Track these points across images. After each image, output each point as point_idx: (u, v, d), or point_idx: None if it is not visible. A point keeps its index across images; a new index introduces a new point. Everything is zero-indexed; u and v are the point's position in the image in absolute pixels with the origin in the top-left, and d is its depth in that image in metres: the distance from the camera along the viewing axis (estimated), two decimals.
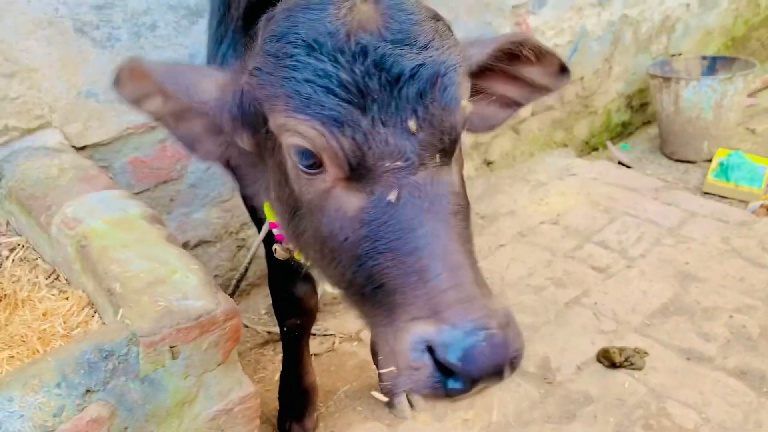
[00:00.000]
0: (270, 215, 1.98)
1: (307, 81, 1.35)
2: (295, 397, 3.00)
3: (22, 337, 2.19)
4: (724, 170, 5.09)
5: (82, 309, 2.31)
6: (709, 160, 5.44)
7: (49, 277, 2.55)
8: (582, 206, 4.82)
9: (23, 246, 2.78)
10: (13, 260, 2.72)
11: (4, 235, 2.88)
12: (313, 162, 1.42)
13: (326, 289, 3.49)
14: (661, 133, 5.90)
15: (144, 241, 2.24)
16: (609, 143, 6.09)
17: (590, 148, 6.12)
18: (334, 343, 3.71)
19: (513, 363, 1.28)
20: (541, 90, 1.86)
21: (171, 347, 1.92)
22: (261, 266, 4.10)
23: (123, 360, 1.86)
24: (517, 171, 5.38)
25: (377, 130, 1.33)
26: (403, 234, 1.34)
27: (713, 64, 6.01)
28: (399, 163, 1.35)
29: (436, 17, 1.50)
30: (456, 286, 1.27)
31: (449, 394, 1.27)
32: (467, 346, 1.21)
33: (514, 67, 1.78)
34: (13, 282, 2.54)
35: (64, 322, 2.24)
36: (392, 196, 1.35)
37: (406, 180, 1.35)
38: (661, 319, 3.65)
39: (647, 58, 6.25)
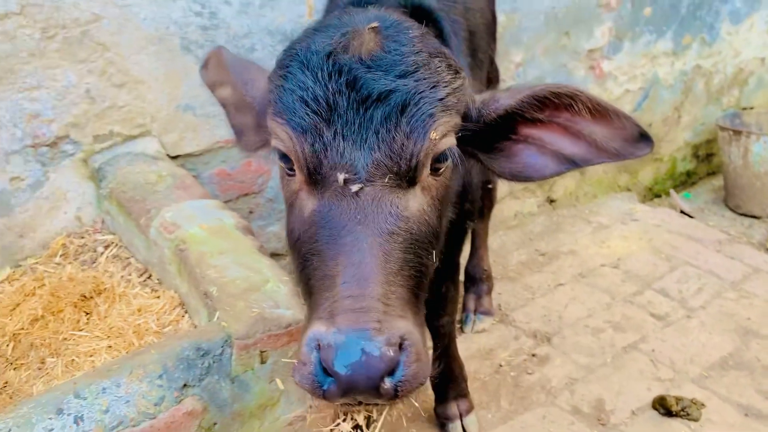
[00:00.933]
0: None
1: (290, 90, 1.52)
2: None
3: (119, 329, 2.35)
4: None
5: (174, 308, 2.47)
6: None
7: (141, 275, 2.73)
8: (643, 252, 4.82)
9: (116, 244, 2.97)
10: (107, 257, 2.91)
11: (99, 232, 3.09)
12: (290, 165, 1.58)
13: None
14: (726, 186, 5.86)
15: (239, 250, 2.39)
16: (672, 191, 6.07)
17: (653, 194, 6.11)
18: None
19: (399, 387, 1.29)
20: (609, 154, 1.73)
21: (261, 352, 2.05)
22: None
23: (217, 359, 1.99)
24: (579, 211, 5.41)
25: (336, 142, 1.44)
26: (332, 239, 1.43)
27: None
28: (348, 176, 1.44)
29: (437, 55, 1.60)
30: (356, 296, 1.33)
31: (326, 396, 1.31)
32: (343, 352, 1.25)
33: (573, 120, 1.71)
34: (107, 277, 2.72)
35: (157, 319, 2.40)
36: (334, 204, 1.45)
37: (350, 192, 1.44)
38: (719, 372, 3.63)
39: (717, 110, 6.23)
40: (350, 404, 1.36)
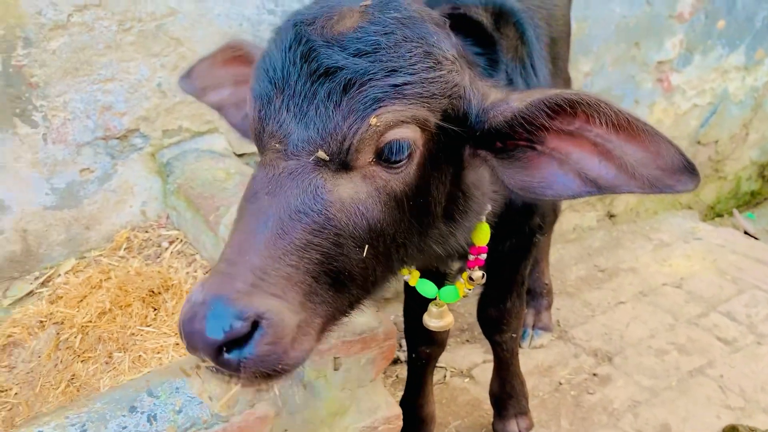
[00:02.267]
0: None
1: (263, 56, 1.48)
2: (413, 424, 3.00)
3: None
4: None
5: None
6: None
7: (207, 272, 2.69)
8: (707, 273, 4.64)
9: (181, 240, 2.95)
10: (172, 252, 2.89)
11: (163, 227, 3.08)
12: None
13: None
14: None
15: None
16: (735, 211, 5.86)
17: (715, 213, 5.91)
18: (445, 376, 3.70)
19: (242, 363, 1.23)
20: (641, 183, 1.46)
21: (334, 358, 1.99)
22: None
23: None
24: (639, 227, 5.25)
25: (280, 113, 1.40)
26: (242, 206, 1.40)
27: None
28: (278, 146, 1.39)
29: (415, 40, 1.45)
30: (230, 262, 1.29)
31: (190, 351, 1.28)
32: (188, 312, 1.24)
33: (605, 139, 1.48)
34: (173, 273, 2.70)
35: None
36: (260, 173, 1.40)
37: (276, 162, 1.38)
38: None
39: None
40: (212, 369, 1.32)
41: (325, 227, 1.37)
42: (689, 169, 1.43)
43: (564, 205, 4.76)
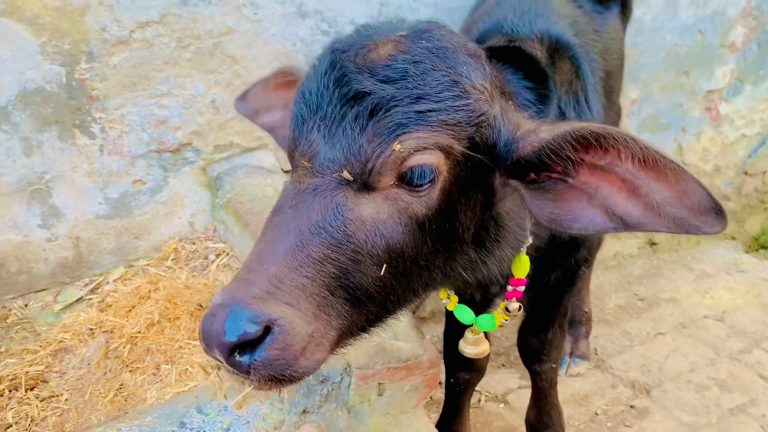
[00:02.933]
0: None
1: (301, 84, 1.56)
2: None
3: None
4: None
5: None
6: None
7: None
8: (751, 307, 4.54)
9: (227, 253, 3.00)
10: (218, 265, 2.94)
11: (210, 239, 3.13)
12: None
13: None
14: None
15: None
16: None
17: (759, 245, 5.78)
18: (480, 399, 3.69)
19: (252, 366, 1.28)
20: (668, 222, 1.44)
21: (379, 384, 2.00)
22: (433, 300, 4.13)
23: (336, 387, 1.95)
24: (681, 257, 5.17)
25: (310, 133, 1.48)
26: (271, 216, 1.46)
27: None
28: (306, 164, 1.46)
29: (444, 70, 1.48)
30: (250, 269, 1.35)
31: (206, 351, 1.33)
32: (208, 312, 1.30)
33: (633, 175, 1.47)
34: (218, 286, 2.74)
35: None
36: (288, 189, 1.47)
37: (299, 179, 1.47)
38: None
39: None
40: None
41: (342, 243, 1.41)
42: (716, 211, 1.39)
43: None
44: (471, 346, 2.16)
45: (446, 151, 1.47)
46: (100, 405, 2.24)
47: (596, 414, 3.56)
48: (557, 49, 2.11)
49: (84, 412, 2.23)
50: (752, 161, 5.30)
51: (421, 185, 1.47)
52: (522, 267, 1.89)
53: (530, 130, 1.57)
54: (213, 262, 2.96)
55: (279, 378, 1.33)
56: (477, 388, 3.74)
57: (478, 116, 1.51)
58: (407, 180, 1.46)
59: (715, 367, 3.95)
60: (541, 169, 1.57)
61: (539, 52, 2.04)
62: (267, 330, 1.28)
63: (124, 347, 2.40)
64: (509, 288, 1.96)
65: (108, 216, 2.99)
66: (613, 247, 4.95)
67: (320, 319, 1.38)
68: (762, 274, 4.98)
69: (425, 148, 1.44)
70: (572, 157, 1.51)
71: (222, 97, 3.06)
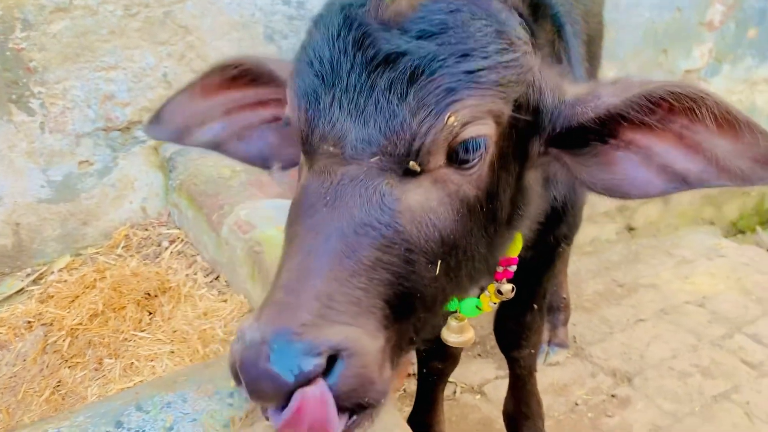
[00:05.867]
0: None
1: (305, 49, 1.28)
2: None
3: (183, 333, 2.16)
4: None
5: (242, 315, 2.26)
6: None
7: (208, 275, 2.54)
8: (732, 292, 4.44)
9: (182, 240, 2.80)
10: (172, 252, 2.73)
11: (164, 225, 2.92)
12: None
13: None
14: None
15: None
16: (759, 229, 5.66)
17: (737, 229, 5.72)
18: (455, 391, 3.53)
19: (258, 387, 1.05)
20: (733, 175, 1.35)
21: None
22: None
23: None
24: (660, 242, 5.06)
25: (331, 110, 1.21)
26: (297, 221, 1.21)
27: None
28: (332, 149, 1.21)
29: (485, 17, 1.27)
30: (290, 290, 1.10)
31: (245, 392, 1.08)
32: (248, 354, 1.04)
33: (692, 128, 1.35)
34: (171, 274, 2.54)
35: (224, 326, 2.20)
36: (314, 181, 1.21)
37: (326, 169, 1.21)
38: None
39: None
40: None
41: (395, 242, 1.19)
42: None
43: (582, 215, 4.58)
44: (455, 335, 1.92)
45: (497, 118, 1.27)
46: (34, 405, 2.03)
47: (576, 404, 3.42)
48: (539, 6, 1.91)
49: (16, 413, 2.02)
50: None
51: (470, 161, 1.26)
52: (516, 244, 1.70)
53: (588, 95, 1.39)
54: (166, 249, 2.75)
55: (354, 410, 1.11)
56: (452, 380, 3.58)
57: (526, 73, 1.31)
58: (458, 157, 1.25)
59: (697, 354, 3.83)
60: (593, 134, 1.38)
61: (522, 8, 1.86)
62: (331, 359, 1.05)
63: (64, 341, 2.19)
64: (499, 269, 1.76)
65: (51, 200, 2.76)
66: (590, 232, 4.83)
67: (382, 334, 1.15)
68: (742, 258, 4.89)
69: (481, 117, 1.24)
70: (648, 120, 1.34)
71: (174, 71, 2.84)
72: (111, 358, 2.11)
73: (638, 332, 4.00)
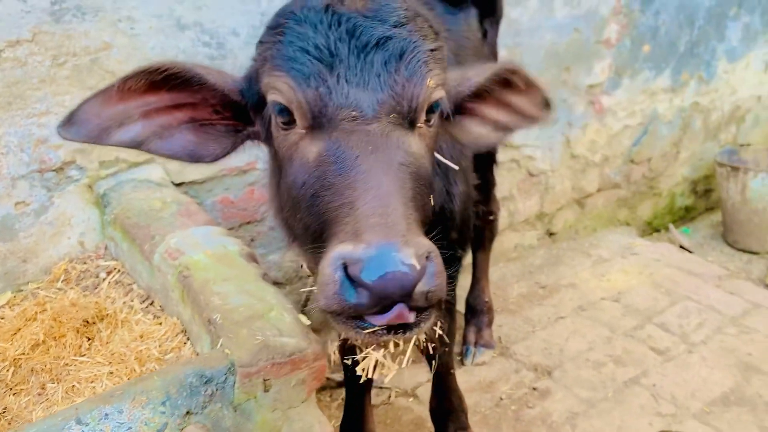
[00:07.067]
0: None
1: (289, 43, 1.58)
2: None
3: (121, 355, 2.34)
4: None
5: (176, 335, 2.45)
6: None
7: (143, 301, 2.72)
8: (644, 286, 4.83)
9: (119, 270, 2.97)
10: (109, 282, 2.90)
11: (102, 258, 3.09)
12: (288, 118, 1.63)
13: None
14: (724, 221, 5.90)
15: (243, 277, 2.39)
16: (671, 226, 6.10)
17: (652, 229, 6.14)
18: (390, 396, 3.76)
19: (429, 296, 1.32)
20: (529, 119, 2.05)
21: (264, 380, 2.04)
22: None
23: (221, 387, 1.98)
24: (579, 244, 5.43)
25: (340, 85, 1.52)
26: (345, 170, 1.48)
27: None
28: (355, 113, 1.52)
29: (419, 15, 1.70)
30: (380, 214, 1.37)
31: (357, 308, 1.32)
32: (376, 263, 1.26)
33: (505, 94, 2.00)
34: (109, 303, 2.71)
35: (159, 346, 2.39)
36: (343, 141, 1.51)
37: (359, 128, 1.52)
38: (721, 408, 3.61)
39: (715, 146, 6.31)
40: (377, 335, 1.36)
41: (416, 179, 1.56)
42: (547, 102, 2.03)
43: (504, 224, 4.91)
44: None
45: (445, 86, 1.73)
46: None
47: (501, 399, 3.70)
48: None
49: None
50: (637, 150, 5.64)
51: (432, 119, 1.71)
52: None
53: (464, 77, 1.94)
54: (104, 279, 2.92)
55: (440, 301, 1.40)
56: (387, 385, 3.82)
57: (445, 55, 1.75)
58: (428, 116, 1.68)
59: (611, 345, 4.17)
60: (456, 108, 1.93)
61: None
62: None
63: (8, 371, 2.34)
64: None
65: None
66: (513, 239, 5.15)
67: None
68: (653, 255, 5.29)
69: (440, 84, 1.68)
70: (498, 95, 1.99)
71: None
72: (53, 383, 2.28)
73: (558, 329, 4.33)
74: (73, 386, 2.26)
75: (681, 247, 5.75)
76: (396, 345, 2.12)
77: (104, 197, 3.03)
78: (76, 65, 2.92)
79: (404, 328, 1.36)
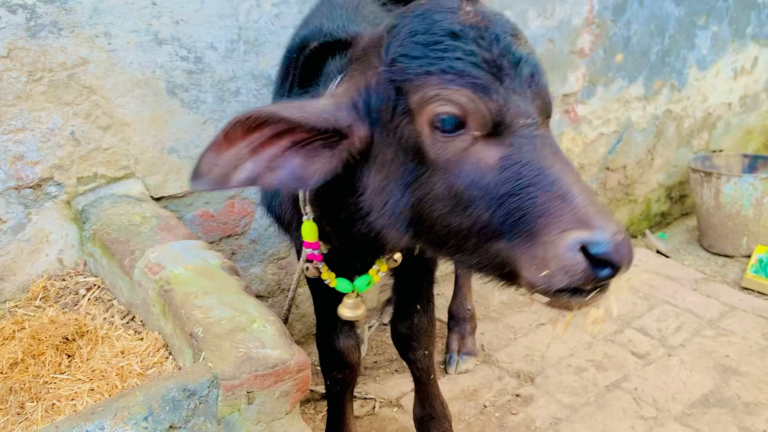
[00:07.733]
0: (307, 235, 2.26)
1: (458, 59, 1.70)
2: None
3: (102, 372, 2.32)
4: (763, 267, 5.14)
5: (158, 350, 2.44)
6: (748, 256, 5.51)
7: (124, 317, 2.70)
8: (622, 291, 4.87)
9: (99, 286, 2.94)
10: (89, 299, 2.88)
11: (81, 274, 3.06)
12: (455, 125, 1.74)
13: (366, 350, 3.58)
14: (699, 226, 5.99)
15: (224, 290, 2.38)
16: (648, 232, 6.18)
17: (630, 234, 6.21)
18: (374, 407, 3.76)
19: (630, 260, 1.61)
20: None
21: (248, 392, 2.03)
22: (306, 324, 4.21)
23: (204, 400, 1.97)
24: None
25: (512, 96, 1.68)
26: (543, 170, 1.66)
27: (754, 163, 6.15)
28: (529, 121, 1.70)
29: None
30: (593, 204, 1.60)
31: (599, 280, 1.60)
32: (616, 242, 1.53)
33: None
34: (89, 319, 2.69)
35: (141, 361, 2.37)
36: (525, 144, 1.68)
37: (537, 133, 1.70)
38: (701, 410, 3.66)
39: (688, 153, 6.42)
40: (592, 298, 1.69)
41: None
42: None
43: None
44: (350, 310, 2.48)
45: None
46: None
47: (485, 406, 3.71)
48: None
49: None
50: (612, 157, 5.72)
51: None
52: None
53: None
54: (84, 296, 2.89)
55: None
56: (371, 396, 3.82)
57: None
58: None
59: (592, 350, 4.21)
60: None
61: None
62: None
63: None
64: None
65: None
66: None
67: None
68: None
69: None
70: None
71: (82, 129, 3.02)
72: (33, 402, 2.25)
73: (540, 335, 4.37)
74: (53, 404, 2.24)
75: (658, 252, 5.83)
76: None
77: (83, 213, 3.01)
78: (52, 81, 2.90)
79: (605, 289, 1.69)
